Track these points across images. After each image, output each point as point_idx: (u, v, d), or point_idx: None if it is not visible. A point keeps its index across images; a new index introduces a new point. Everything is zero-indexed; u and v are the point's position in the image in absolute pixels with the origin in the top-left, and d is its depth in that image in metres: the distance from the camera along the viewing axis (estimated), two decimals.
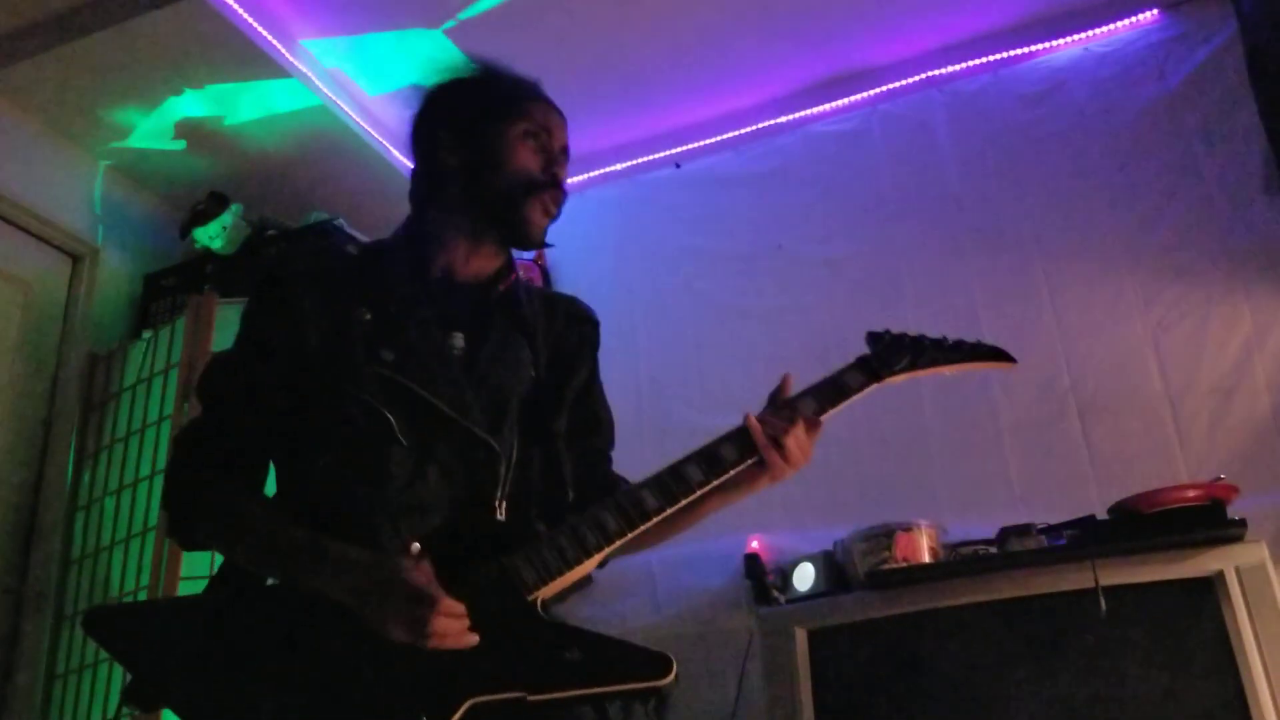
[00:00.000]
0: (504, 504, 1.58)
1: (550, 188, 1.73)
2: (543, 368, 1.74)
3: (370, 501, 1.53)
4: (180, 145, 4.00)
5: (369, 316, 1.63)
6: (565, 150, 1.79)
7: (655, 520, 1.56)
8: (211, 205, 3.89)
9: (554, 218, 1.75)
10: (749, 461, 1.64)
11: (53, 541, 3.67)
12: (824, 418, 1.71)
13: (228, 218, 3.88)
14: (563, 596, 1.60)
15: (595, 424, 1.83)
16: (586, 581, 1.67)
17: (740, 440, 1.65)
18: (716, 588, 3.46)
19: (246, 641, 1.48)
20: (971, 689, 2.66)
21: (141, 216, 4.22)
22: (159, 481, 3.41)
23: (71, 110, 3.81)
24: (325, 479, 1.58)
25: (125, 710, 3.14)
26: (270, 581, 1.56)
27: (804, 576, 3.09)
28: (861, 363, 1.78)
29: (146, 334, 3.84)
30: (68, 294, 3.98)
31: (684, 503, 1.59)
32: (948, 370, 1.85)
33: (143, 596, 3.30)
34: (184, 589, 3.21)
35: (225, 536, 1.59)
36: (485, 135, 1.71)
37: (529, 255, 4.14)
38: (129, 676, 1.52)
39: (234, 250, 3.92)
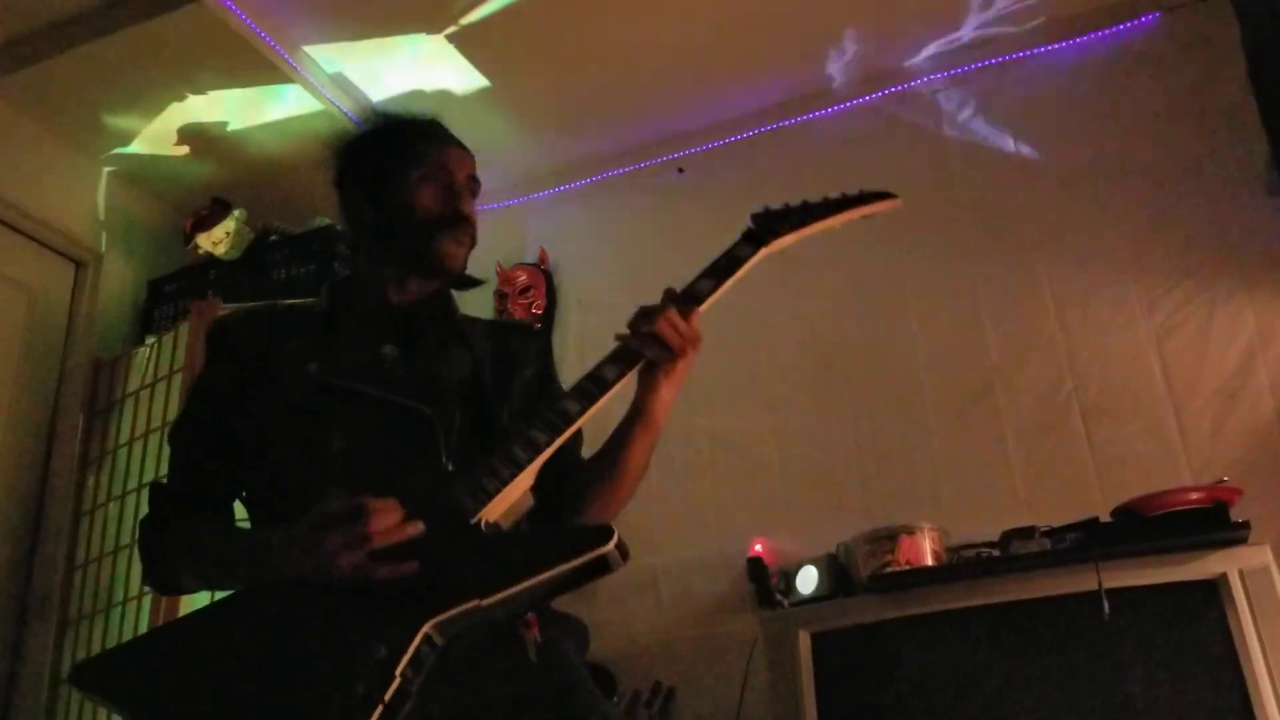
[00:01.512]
0: (453, 460, 1.62)
1: (455, 222, 1.80)
2: (485, 366, 1.80)
3: (316, 483, 1.55)
4: (183, 151, 4.01)
5: (295, 345, 1.74)
6: (472, 179, 1.87)
7: (579, 423, 1.61)
8: (215, 211, 3.91)
9: (470, 246, 1.84)
10: (648, 357, 1.68)
11: (57, 546, 3.68)
12: (719, 294, 1.75)
13: (231, 223, 3.90)
14: (511, 519, 1.59)
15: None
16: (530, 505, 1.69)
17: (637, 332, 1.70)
18: (720, 591, 3.46)
19: (213, 649, 1.51)
20: (975, 692, 2.65)
21: (145, 222, 4.23)
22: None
23: (75, 116, 3.83)
24: (275, 485, 1.66)
25: None
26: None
27: (807, 579, 3.09)
28: (748, 234, 1.84)
29: (150, 339, 3.84)
30: (71, 300, 4.00)
31: (602, 400, 1.62)
32: (835, 222, 1.90)
33: (146, 601, 3.30)
34: (186, 594, 3.21)
35: (196, 567, 1.65)
36: (387, 186, 1.81)
37: (531, 260, 4.15)
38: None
39: (237, 256, 3.93)
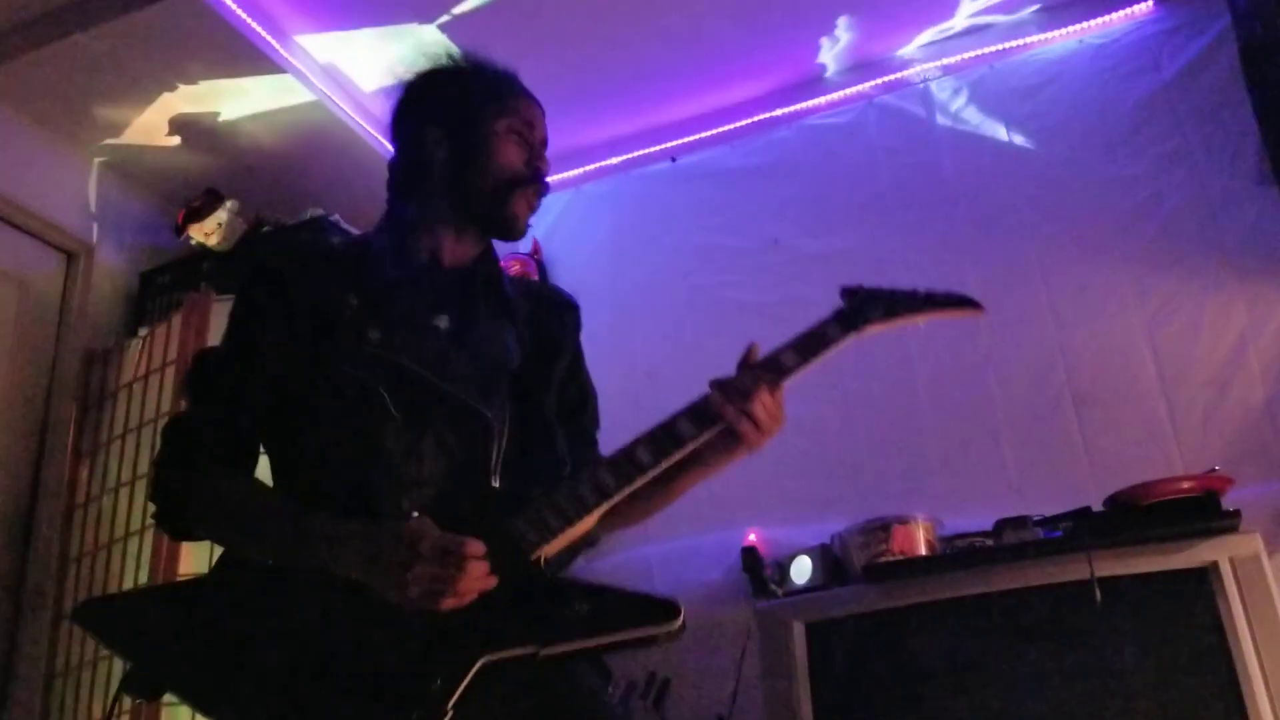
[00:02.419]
0: (499, 472, 1.60)
1: (534, 183, 1.76)
2: (528, 348, 1.77)
3: (368, 476, 1.55)
4: (175, 141, 3.99)
5: (356, 301, 1.66)
6: (545, 142, 1.82)
7: (650, 475, 1.58)
8: (207, 202, 3.89)
9: (535, 210, 1.79)
10: (727, 422, 1.64)
11: (51, 539, 3.67)
12: (803, 371, 1.71)
13: (223, 214, 3.88)
14: (569, 558, 1.61)
15: (582, 403, 1.85)
16: (591, 542, 1.68)
17: (727, 395, 1.66)
18: (714, 581, 3.47)
19: (248, 621, 1.49)
20: (968, 681, 2.67)
21: (137, 213, 4.21)
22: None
23: (65, 107, 3.80)
24: (321, 459, 1.60)
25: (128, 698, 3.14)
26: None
27: (801, 570, 3.10)
28: (838, 315, 1.79)
29: (143, 331, 3.83)
30: (63, 292, 3.98)
31: (675, 457, 1.59)
32: (920, 320, 1.87)
33: None
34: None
35: (218, 522, 1.61)
36: (470, 130, 1.74)
37: (524, 250, 4.15)
38: (128, 665, 1.52)
39: (230, 247, 3.91)
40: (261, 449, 1.70)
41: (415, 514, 1.45)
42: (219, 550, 1.66)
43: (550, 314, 1.87)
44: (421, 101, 1.82)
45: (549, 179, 1.80)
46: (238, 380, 1.65)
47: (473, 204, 1.75)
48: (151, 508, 1.68)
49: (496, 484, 1.59)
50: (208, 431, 1.64)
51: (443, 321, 1.70)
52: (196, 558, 3.22)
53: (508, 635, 1.42)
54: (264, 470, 1.71)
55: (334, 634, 1.44)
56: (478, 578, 1.40)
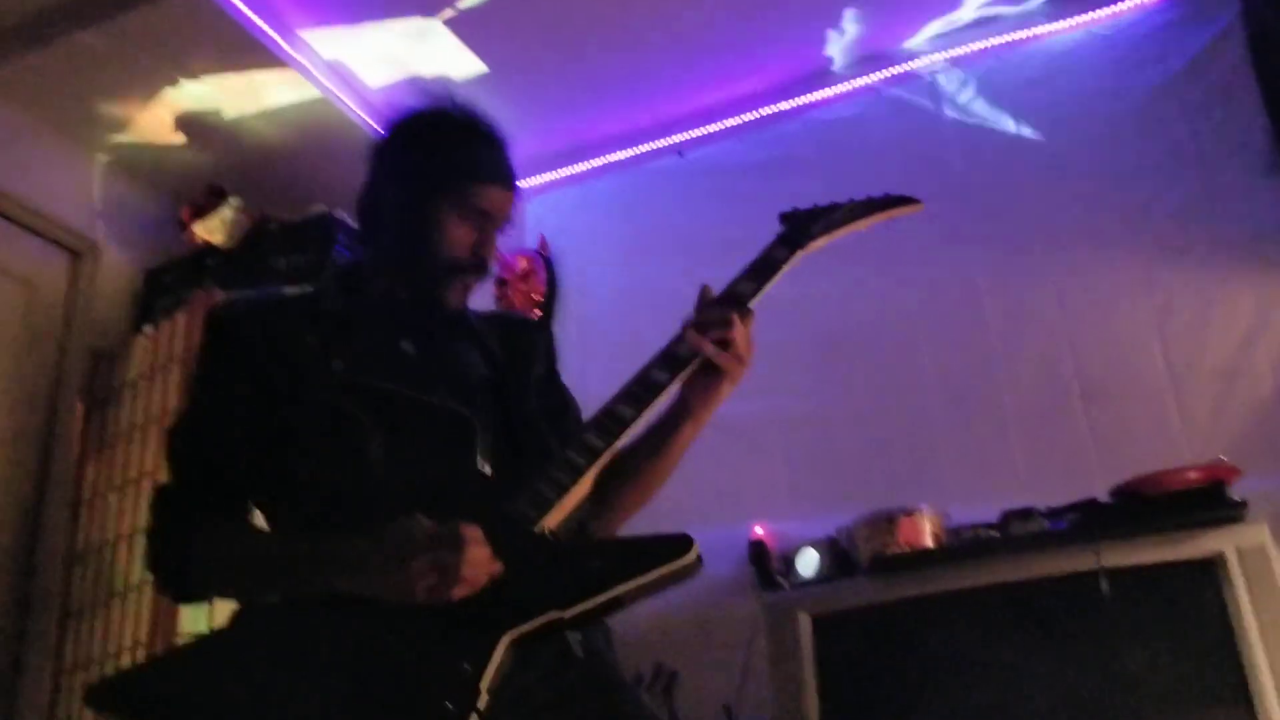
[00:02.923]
0: (489, 462, 1.60)
1: (475, 272, 1.75)
2: (500, 363, 1.77)
3: (359, 494, 1.54)
4: (179, 139, 3.99)
5: (315, 340, 1.65)
6: (507, 219, 1.79)
7: (634, 427, 1.57)
8: (211, 199, 3.90)
9: (471, 293, 1.79)
10: (704, 355, 1.64)
11: (57, 537, 3.68)
12: (760, 296, 1.73)
13: (228, 212, 3.88)
14: (581, 530, 1.59)
15: (564, 408, 1.84)
16: (599, 513, 1.68)
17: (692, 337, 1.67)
18: (722, 574, 3.46)
19: (266, 664, 1.46)
20: (975, 673, 2.67)
21: (141, 211, 4.21)
22: (164, 476, 3.41)
23: (68, 104, 3.81)
24: (311, 489, 1.59)
25: None
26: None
27: (808, 562, 3.10)
28: (782, 237, 1.82)
29: (148, 329, 3.83)
30: (69, 290, 3.98)
31: (656, 404, 1.60)
32: (862, 226, 1.89)
33: (147, 590, 3.30)
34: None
35: (220, 574, 1.58)
36: (424, 208, 1.72)
37: (532, 247, 4.15)
38: None
39: (234, 244, 3.92)
40: (250, 503, 1.69)
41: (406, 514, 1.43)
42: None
43: (518, 335, 1.88)
44: (391, 157, 1.79)
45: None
46: (212, 441, 1.64)
47: (409, 277, 1.74)
48: (153, 576, 1.65)
49: (488, 472, 1.59)
50: (193, 496, 1.62)
51: (407, 346, 1.71)
52: None
53: (528, 607, 1.40)
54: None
55: (357, 655, 1.41)
56: (480, 560, 1.38)
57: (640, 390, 1.60)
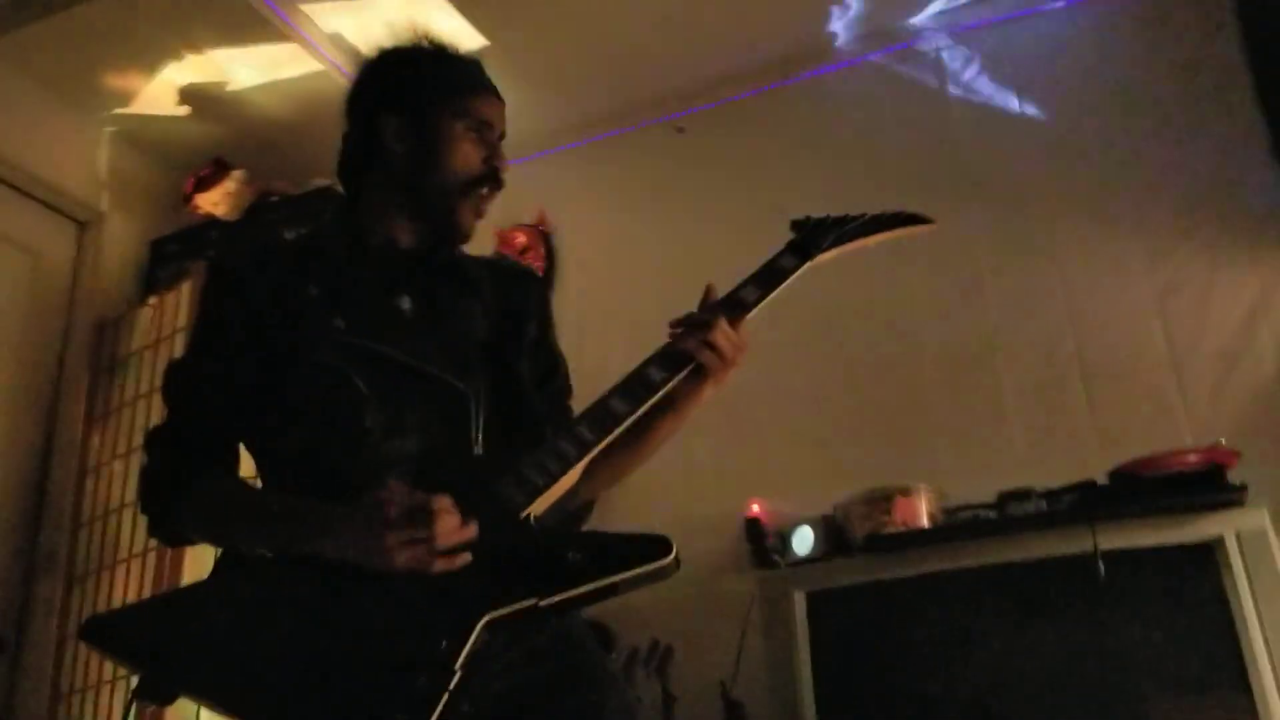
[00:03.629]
0: (481, 440, 1.61)
1: (489, 182, 1.74)
2: (495, 320, 1.77)
3: (350, 459, 1.56)
4: (183, 111, 4.00)
5: (315, 291, 1.65)
6: (503, 136, 1.79)
7: (626, 424, 1.58)
8: (214, 171, 3.91)
9: (483, 215, 1.77)
10: (694, 361, 1.64)
11: (63, 503, 3.72)
12: (764, 304, 1.72)
13: (230, 184, 3.90)
14: (561, 520, 1.61)
15: (552, 370, 1.85)
16: (586, 509, 1.70)
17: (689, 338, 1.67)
18: (718, 551, 3.46)
19: (250, 614, 1.49)
20: (969, 653, 2.68)
21: (146, 182, 4.23)
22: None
23: (75, 76, 3.83)
24: (303, 449, 1.60)
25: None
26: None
27: (803, 540, 3.10)
28: (791, 246, 1.80)
29: (152, 299, 3.86)
30: (74, 260, 4.01)
31: (651, 401, 1.60)
32: (871, 242, 1.88)
33: (151, 558, 3.34)
34: (190, 553, 3.25)
35: (208, 524, 1.62)
36: (428, 126, 1.71)
37: (529, 221, 4.14)
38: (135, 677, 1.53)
39: (237, 216, 3.93)
40: (243, 448, 1.71)
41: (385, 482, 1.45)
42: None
43: (513, 286, 1.86)
44: (381, 85, 1.78)
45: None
46: (210, 386, 1.65)
47: (425, 202, 1.73)
48: (144, 527, 1.68)
49: (480, 451, 1.60)
50: (187, 439, 1.64)
51: (404, 303, 1.70)
52: None
53: (507, 591, 1.43)
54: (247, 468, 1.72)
55: (337, 615, 1.44)
56: (451, 530, 1.41)
57: (637, 386, 1.61)
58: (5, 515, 3.64)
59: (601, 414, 1.58)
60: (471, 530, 1.43)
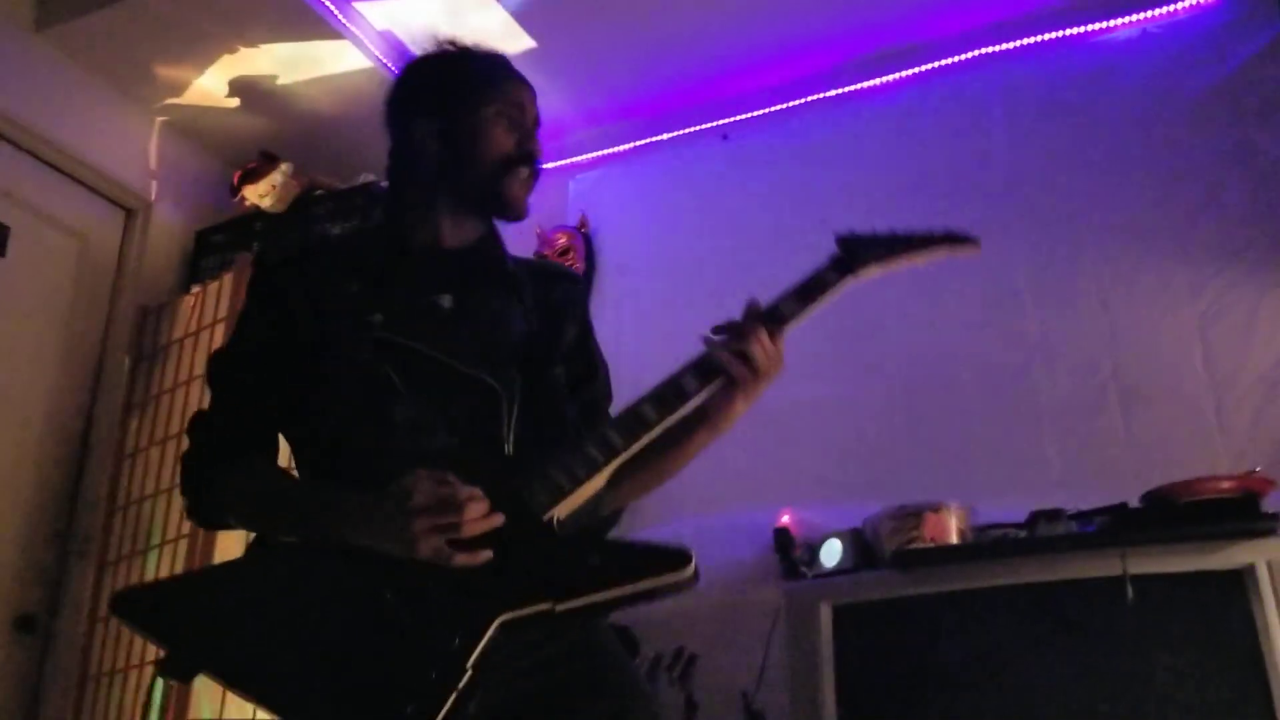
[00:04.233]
0: (511, 441, 1.62)
1: (525, 163, 1.77)
2: (535, 323, 1.78)
3: (381, 454, 1.58)
4: (234, 103, 4.06)
5: (355, 288, 1.69)
6: (537, 122, 1.83)
7: (656, 431, 1.59)
8: (262, 164, 3.95)
9: (532, 188, 1.81)
10: (730, 373, 1.65)
11: (100, 488, 3.78)
12: (803, 317, 1.72)
13: (277, 177, 3.94)
14: (587, 525, 1.61)
15: (590, 374, 1.86)
16: (614, 517, 1.71)
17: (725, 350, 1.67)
18: (746, 560, 3.46)
19: (273, 598, 1.53)
20: (993, 672, 2.65)
21: (194, 172, 4.29)
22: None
23: (129, 66, 3.89)
24: (335, 441, 1.64)
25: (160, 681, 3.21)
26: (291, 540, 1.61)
27: (831, 552, 3.09)
28: (835, 260, 1.79)
29: (195, 289, 3.90)
30: (121, 246, 4.07)
31: (682, 411, 1.61)
32: (919, 260, 1.87)
33: (183, 545, 3.38)
34: (221, 540, 3.29)
35: (244, 508, 1.64)
36: (460, 118, 1.76)
37: (571, 224, 4.16)
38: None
39: (283, 209, 3.97)
40: (281, 437, 1.75)
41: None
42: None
43: (555, 288, 1.87)
44: (411, 93, 1.83)
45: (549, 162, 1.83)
46: (250, 375, 1.69)
47: (469, 190, 1.76)
48: (177, 514, 1.71)
49: (510, 451, 1.61)
50: (228, 425, 1.68)
51: (445, 300, 1.72)
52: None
53: (523, 593, 1.44)
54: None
55: (357, 605, 1.46)
56: (478, 516, 1.42)
57: (669, 394, 1.62)
58: (42, 497, 3.69)
59: (632, 420, 1.59)
60: (498, 519, 1.44)
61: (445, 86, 1.79)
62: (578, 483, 1.53)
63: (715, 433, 1.71)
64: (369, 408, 1.61)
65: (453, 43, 1.85)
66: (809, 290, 1.75)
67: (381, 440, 1.59)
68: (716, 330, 1.67)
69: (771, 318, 1.69)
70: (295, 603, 1.51)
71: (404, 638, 1.43)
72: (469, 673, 1.38)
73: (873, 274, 1.80)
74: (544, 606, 1.44)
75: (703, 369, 1.64)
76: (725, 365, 1.63)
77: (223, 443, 1.67)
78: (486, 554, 1.43)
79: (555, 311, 1.83)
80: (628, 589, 1.45)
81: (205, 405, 1.75)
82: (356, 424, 1.62)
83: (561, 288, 1.89)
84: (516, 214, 1.78)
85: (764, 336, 1.64)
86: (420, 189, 1.78)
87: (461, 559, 1.42)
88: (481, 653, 1.40)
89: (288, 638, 1.47)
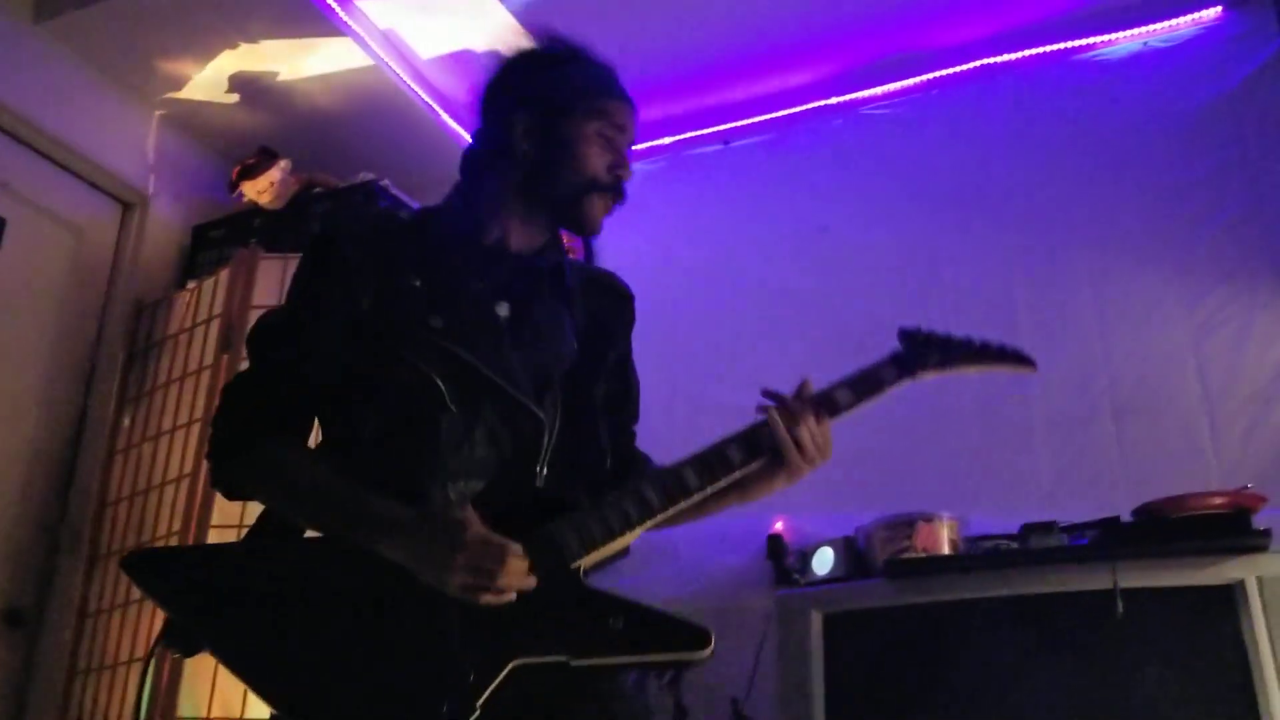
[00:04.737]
0: (545, 470, 1.63)
1: (611, 190, 1.75)
2: (583, 339, 1.77)
3: (419, 463, 1.57)
4: (233, 99, 4.05)
5: (419, 283, 1.65)
6: (632, 143, 1.81)
7: (695, 499, 1.61)
8: (261, 160, 3.94)
9: (611, 212, 1.79)
10: (779, 452, 1.67)
11: (91, 482, 3.76)
12: (855, 410, 1.75)
13: (276, 173, 3.93)
14: (601, 565, 1.62)
15: (624, 397, 1.85)
16: (624, 553, 1.72)
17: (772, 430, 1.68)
18: (739, 566, 3.47)
19: (289, 588, 1.52)
20: (983, 682, 2.65)
21: (192, 167, 4.28)
22: (196, 430, 3.48)
23: (128, 59, 3.88)
24: (374, 439, 1.61)
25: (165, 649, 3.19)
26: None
27: (823, 561, 3.09)
28: (895, 358, 1.82)
29: (191, 284, 3.89)
30: (117, 241, 4.05)
31: (723, 483, 1.63)
32: (973, 370, 1.91)
33: (174, 542, 3.36)
34: (214, 536, 3.28)
35: (273, 489, 1.61)
36: (560, 127, 1.72)
37: None
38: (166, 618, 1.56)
39: (281, 206, 3.97)
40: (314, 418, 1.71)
41: (461, 504, 1.47)
42: (252, 505, 1.68)
43: (607, 304, 1.86)
44: (517, 83, 1.79)
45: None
46: (298, 350, 1.64)
47: (549, 199, 1.73)
48: (208, 463, 1.68)
49: (541, 483, 1.62)
50: (266, 396, 1.64)
51: (503, 309, 1.69)
52: (229, 510, 3.28)
53: (542, 641, 1.45)
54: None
55: (375, 612, 1.46)
56: (517, 574, 1.42)
57: (714, 461, 1.63)
58: (33, 491, 3.68)
59: (673, 482, 1.60)
60: (532, 581, 1.44)
61: (554, 88, 1.75)
62: (611, 536, 1.54)
63: (746, 500, 1.74)
64: (417, 416, 1.59)
65: (569, 44, 1.82)
66: (866, 385, 1.77)
67: (423, 451, 1.58)
68: (769, 394, 1.68)
69: (825, 404, 1.71)
70: (310, 599, 1.50)
71: (418, 660, 1.43)
72: (477, 712, 1.39)
73: (930, 377, 1.83)
74: (560, 658, 1.44)
75: (750, 443, 1.66)
76: (779, 447, 1.65)
77: (259, 415, 1.62)
78: (511, 597, 1.43)
79: (603, 329, 1.82)
80: (645, 658, 1.49)
81: (244, 370, 1.71)
82: (400, 429, 1.60)
83: (614, 306, 1.87)
84: (591, 232, 1.77)
85: (814, 422, 1.67)
86: (500, 182, 1.75)
87: (488, 599, 1.41)
88: (492, 692, 1.41)
89: (296, 634, 1.46)
